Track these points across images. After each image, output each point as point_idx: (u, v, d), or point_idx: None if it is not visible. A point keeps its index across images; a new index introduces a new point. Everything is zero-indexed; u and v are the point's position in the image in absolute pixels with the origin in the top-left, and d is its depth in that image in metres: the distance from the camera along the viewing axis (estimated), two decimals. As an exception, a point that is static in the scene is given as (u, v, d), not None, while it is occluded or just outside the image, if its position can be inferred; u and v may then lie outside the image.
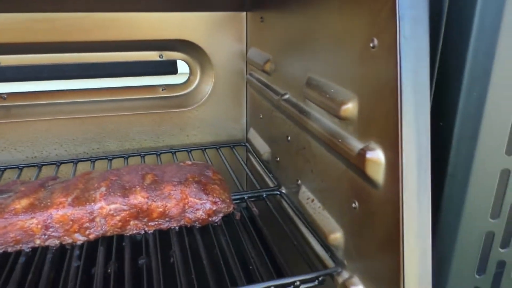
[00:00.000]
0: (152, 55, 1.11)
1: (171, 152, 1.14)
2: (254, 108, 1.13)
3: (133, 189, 0.76)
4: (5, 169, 1.02)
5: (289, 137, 0.89)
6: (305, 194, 0.81)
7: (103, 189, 0.76)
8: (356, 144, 0.60)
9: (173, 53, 1.12)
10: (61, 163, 1.06)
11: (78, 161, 1.07)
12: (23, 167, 1.03)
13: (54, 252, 0.72)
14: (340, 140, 0.64)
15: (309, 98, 0.75)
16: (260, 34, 1.02)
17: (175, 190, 0.77)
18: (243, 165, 1.11)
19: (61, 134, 1.08)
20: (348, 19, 0.61)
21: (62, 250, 0.74)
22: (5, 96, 1.04)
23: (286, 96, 0.87)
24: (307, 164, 0.80)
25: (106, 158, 1.09)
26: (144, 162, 1.10)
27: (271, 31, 0.95)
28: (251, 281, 0.68)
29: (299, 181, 0.85)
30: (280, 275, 0.68)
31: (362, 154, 0.57)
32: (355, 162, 0.60)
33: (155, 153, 1.12)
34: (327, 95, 0.67)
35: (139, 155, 1.11)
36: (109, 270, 0.69)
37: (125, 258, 0.71)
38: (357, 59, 0.59)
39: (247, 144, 1.19)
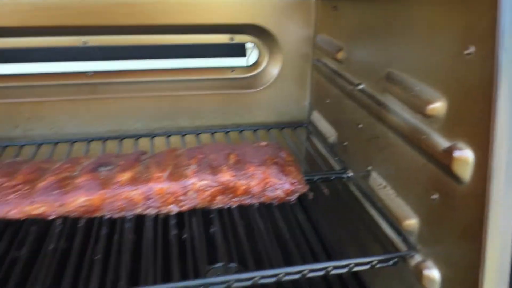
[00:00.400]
0: (223, 38, 1.16)
1: (238, 130, 1.21)
2: (319, 92, 1.18)
3: (220, 168, 0.84)
4: (92, 140, 1.11)
5: (360, 125, 0.94)
6: (377, 181, 0.87)
7: (193, 166, 0.84)
8: (441, 142, 0.65)
9: (244, 36, 1.17)
10: (139, 137, 1.15)
11: (154, 136, 1.15)
12: (106, 139, 1.12)
13: (153, 220, 0.81)
14: (424, 137, 0.69)
15: (389, 92, 0.79)
16: (333, 23, 1.06)
17: (257, 170, 0.85)
18: (307, 146, 1.17)
19: (139, 110, 1.16)
20: (440, 21, 0.65)
21: (157, 219, 0.83)
22: (91, 74, 1.12)
23: (361, 87, 0.91)
24: (381, 153, 0.85)
25: (179, 134, 1.17)
26: (214, 139, 1.17)
27: (346, 20, 0.99)
28: (329, 256, 0.76)
29: (370, 168, 0.90)
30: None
31: (449, 152, 0.62)
32: (439, 158, 0.65)
33: (224, 131, 1.20)
34: (412, 92, 0.71)
35: (209, 132, 1.19)
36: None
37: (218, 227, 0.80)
38: (448, 62, 0.63)
39: (309, 125, 1.25)
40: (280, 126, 1.24)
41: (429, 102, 0.67)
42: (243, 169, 0.84)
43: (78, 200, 0.77)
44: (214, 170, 0.84)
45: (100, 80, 1.13)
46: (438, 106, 0.66)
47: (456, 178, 0.62)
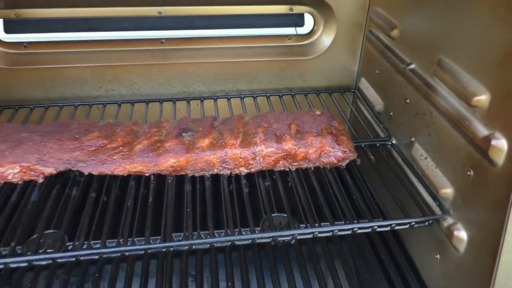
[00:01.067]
0: (283, 9, 1.25)
1: (291, 94, 1.33)
2: (369, 62, 1.27)
3: (284, 137, 0.98)
4: (164, 101, 1.26)
5: (407, 100, 1.04)
6: (419, 152, 0.99)
7: (261, 135, 0.99)
8: (481, 129, 0.76)
9: (302, 7, 1.25)
10: (204, 99, 1.29)
11: (217, 98, 1.29)
12: (176, 100, 1.27)
13: (227, 178, 0.98)
14: (466, 123, 0.80)
15: (438, 78, 0.89)
16: (389, 0, 1.13)
17: (315, 140, 0.98)
18: (353, 110, 1.29)
19: (204, 74, 1.29)
20: (497, 25, 0.73)
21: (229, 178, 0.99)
22: (163, 41, 1.25)
23: (412, 66, 1.01)
24: (425, 128, 0.97)
25: (239, 97, 1.30)
26: (270, 101, 1.30)
27: (402, 2, 1.06)
28: (372, 214, 0.91)
29: (413, 139, 1.02)
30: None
31: (487, 140, 0.74)
32: (478, 143, 0.77)
33: (278, 94, 1.32)
34: (460, 83, 0.81)
35: (265, 95, 1.32)
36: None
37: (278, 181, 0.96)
38: (498, 62, 0.72)
39: (356, 91, 1.35)
40: (329, 90, 1.35)
41: (475, 94, 0.77)
42: (302, 138, 0.98)
43: (169, 162, 0.94)
44: (279, 139, 0.98)
45: (171, 47, 1.25)
46: (482, 98, 0.76)
47: (491, 161, 0.74)
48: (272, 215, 1.08)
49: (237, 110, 1.26)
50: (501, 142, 0.72)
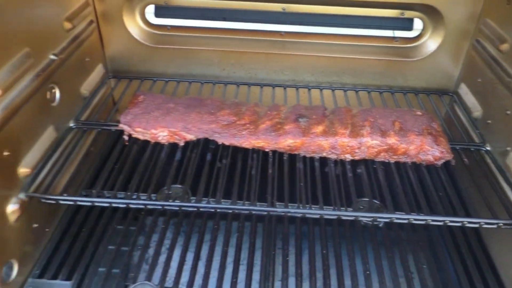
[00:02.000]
0: (394, 13, 1.35)
1: (390, 92, 1.43)
2: (472, 69, 1.34)
3: (388, 132, 1.11)
4: (276, 86, 1.43)
5: (508, 112, 1.12)
6: (514, 161, 1.08)
7: (368, 128, 1.12)
8: None
9: (413, 12, 1.34)
10: (311, 88, 1.44)
11: (323, 88, 1.43)
12: (287, 87, 1.43)
13: (334, 162, 1.13)
14: None
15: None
16: (503, 13, 1.19)
17: (416, 138, 1.10)
18: (449, 113, 1.38)
19: (314, 66, 1.44)
20: None
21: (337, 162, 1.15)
22: (283, 34, 1.40)
23: (519, 81, 1.08)
24: (523, 140, 1.05)
25: (342, 89, 1.43)
26: (371, 96, 1.42)
27: (517, 17, 1.12)
28: (468, 214, 1.02)
29: (509, 148, 1.11)
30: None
31: None
32: None
33: (378, 91, 1.44)
34: None
35: (366, 90, 1.43)
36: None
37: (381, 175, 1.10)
38: None
39: (454, 95, 1.43)
40: (428, 92, 1.44)
41: None
42: (405, 136, 1.11)
43: (287, 142, 1.11)
44: (383, 133, 1.11)
45: (289, 39, 1.41)
46: None
47: None
48: (372, 200, 1.23)
49: (340, 101, 1.39)
50: None
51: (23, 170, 0.92)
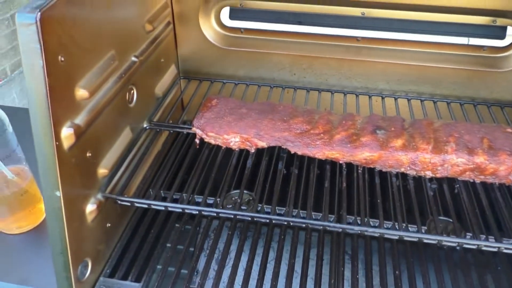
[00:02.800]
0: (485, 20, 1.25)
1: (473, 103, 1.34)
2: None
3: (476, 150, 1.03)
4: (347, 93, 1.37)
5: None
6: None
7: (452, 144, 1.04)
8: None
9: (507, 20, 1.24)
10: (385, 97, 1.37)
11: (398, 97, 1.36)
12: (359, 94, 1.37)
13: (413, 179, 1.06)
14: None
15: None
16: None
17: (508, 159, 1.01)
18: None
19: (390, 74, 1.36)
20: None
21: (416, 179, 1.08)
22: (360, 39, 1.34)
23: None
24: None
25: (419, 99, 1.35)
26: (450, 108, 1.33)
27: None
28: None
29: None
30: None
31: None
32: None
33: (459, 102, 1.34)
34: None
35: (446, 101, 1.35)
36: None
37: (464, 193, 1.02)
38: None
39: (546, 111, 1.31)
40: (515, 105, 1.33)
41: None
42: (496, 155, 1.02)
43: (364, 155, 1.05)
44: (470, 151, 1.03)
45: (366, 45, 1.35)
46: None
47: None
48: (438, 217, 1.15)
49: (416, 111, 1.32)
50: None
51: (102, 170, 0.94)
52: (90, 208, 0.89)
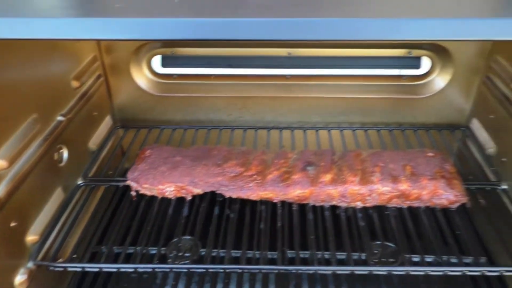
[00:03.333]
0: (401, 52, 1.34)
1: (400, 129, 1.41)
2: (483, 105, 1.31)
3: (399, 178, 1.08)
4: (283, 129, 1.42)
5: (524, 151, 1.09)
6: (532, 203, 1.04)
7: (378, 174, 1.10)
8: None
9: (421, 51, 1.33)
10: (319, 129, 1.42)
11: (331, 129, 1.42)
12: (294, 129, 1.42)
13: (344, 211, 1.11)
14: None
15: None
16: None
17: (429, 183, 1.07)
18: (461, 149, 1.35)
19: (321, 107, 1.42)
20: None
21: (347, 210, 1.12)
22: (288, 77, 1.40)
23: (532, 121, 1.05)
24: (541, 182, 1.01)
25: (351, 129, 1.41)
26: (380, 134, 1.39)
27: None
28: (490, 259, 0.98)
29: (527, 189, 1.07)
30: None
31: None
32: None
33: (388, 129, 1.41)
34: None
35: (376, 129, 1.41)
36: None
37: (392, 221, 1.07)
38: None
39: (466, 130, 1.40)
40: (439, 127, 1.41)
41: None
42: (417, 181, 1.08)
43: (295, 192, 1.09)
44: (395, 179, 1.08)
45: (295, 82, 1.40)
46: None
47: None
48: (384, 242, 1.19)
49: (349, 140, 1.38)
50: None
51: (31, 238, 0.92)
52: (20, 279, 0.87)
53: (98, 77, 1.30)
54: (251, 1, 0.75)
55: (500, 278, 1.12)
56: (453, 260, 1.00)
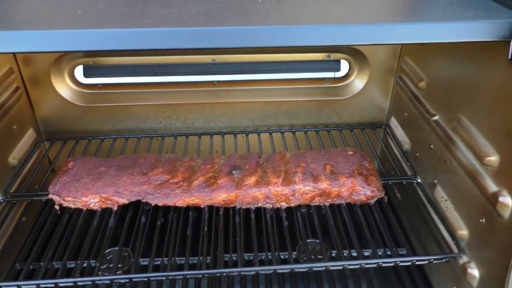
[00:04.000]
0: (321, 56, 1.40)
1: (326, 130, 1.47)
2: (399, 104, 1.40)
3: (320, 177, 1.13)
4: (213, 134, 1.44)
5: (432, 146, 1.17)
6: (440, 194, 1.12)
7: (300, 175, 1.14)
8: (492, 185, 0.89)
9: (339, 54, 1.40)
10: (249, 133, 1.46)
11: (260, 132, 1.45)
12: (224, 133, 1.45)
13: (270, 211, 1.14)
14: (479, 177, 0.92)
15: (457, 134, 1.02)
16: (418, 53, 1.25)
17: (347, 180, 1.13)
18: (383, 145, 1.43)
19: (250, 111, 1.46)
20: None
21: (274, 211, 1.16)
22: (216, 83, 1.42)
23: (436, 118, 1.14)
24: (446, 173, 1.09)
25: (280, 131, 1.46)
26: (307, 136, 1.45)
27: (430, 56, 1.19)
28: (398, 245, 1.04)
29: (436, 181, 1.15)
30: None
31: (496, 195, 0.86)
32: (488, 197, 0.89)
33: (315, 130, 1.47)
34: (475, 142, 0.94)
35: (303, 130, 1.46)
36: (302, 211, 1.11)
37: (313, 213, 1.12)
38: (508, 131, 0.84)
39: (387, 127, 1.48)
40: (362, 126, 1.49)
41: (487, 154, 0.90)
42: (336, 179, 1.13)
43: (221, 197, 1.11)
44: (315, 179, 1.13)
45: (222, 88, 1.43)
46: (493, 159, 0.88)
47: (499, 214, 0.86)
48: (307, 240, 1.24)
49: (278, 143, 1.42)
50: (507, 200, 0.84)
51: None
52: None
53: (16, 89, 1.26)
54: (154, 12, 0.77)
55: (420, 267, 1.21)
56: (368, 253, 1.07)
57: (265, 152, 1.30)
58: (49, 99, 1.36)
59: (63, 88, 1.36)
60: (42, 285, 0.91)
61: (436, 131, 1.13)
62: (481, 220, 0.93)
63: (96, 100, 1.40)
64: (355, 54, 1.38)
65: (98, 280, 0.93)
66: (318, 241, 1.27)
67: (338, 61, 1.43)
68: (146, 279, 0.95)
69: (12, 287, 0.91)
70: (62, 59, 1.31)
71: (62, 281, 0.91)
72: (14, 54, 1.24)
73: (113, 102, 1.41)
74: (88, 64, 1.35)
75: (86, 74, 1.37)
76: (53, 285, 0.92)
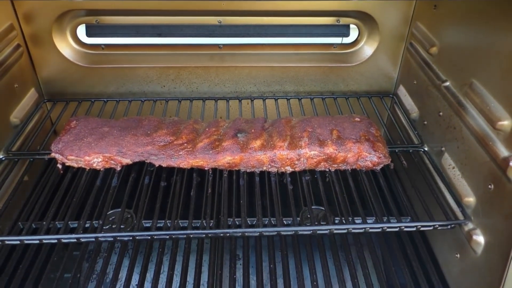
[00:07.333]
0: (330, 20, 1.36)
1: (333, 97, 1.45)
2: (408, 72, 1.37)
3: (326, 142, 1.12)
4: (218, 99, 1.41)
5: (441, 113, 1.15)
6: (448, 161, 1.10)
7: (306, 139, 1.12)
8: (503, 150, 0.87)
9: (348, 19, 1.36)
10: (254, 99, 1.43)
11: (266, 98, 1.43)
12: (229, 98, 1.42)
13: (274, 175, 1.13)
14: (490, 143, 0.90)
15: (469, 99, 1.00)
16: (430, 18, 1.22)
17: (354, 146, 1.11)
18: (390, 114, 1.40)
19: (255, 77, 1.43)
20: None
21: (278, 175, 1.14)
22: (221, 46, 1.39)
23: (447, 84, 1.11)
24: (455, 140, 1.07)
25: (285, 98, 1.43)
26: (313, 103, 1.42)
27: (443, 21, 1.15)
28: (401, 213, 1.03)
29: (443, 148, 1.13)
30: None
31: (507, 160, 0.84)
32: (499, 162, 0.87)
33: (321, 97, 1.45)
34: (488, 107, 0.92)
35: (309, 97, 1.44)
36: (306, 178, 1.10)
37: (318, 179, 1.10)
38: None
39: (394, 97, 1.45)
40: (369, 95, 1.46)
41: (499, 119, 0.87)
42: (343, 144, 1.11)
43: (225, 159, 1.09)
44: (321, 143, 1.11)
45: (228, 52, 1.40)
46: (505, 123, 0.86)
47: (509, 179, 0.85)
48: (312, 207, 1.23)
49: (283, 109, 1.40)
50: (518, 164, 0.83)
51: None
52: None
53: (17, 47, 1.23)
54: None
55: (423, 235, 1.21)
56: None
57: (270, 119, 1.28)
58: (51, 59, 1.33)
59: (65, 47, 1.33)
60: (45, 241, 0.91)
61: (446, 97, 1.10)
62: (489, 186, 0.92)
63: (99, 61, 1.37)
64: (365, 18, 1.34)
65: (101, 237, 0.93)
66: (323, 208, 1.26)
67: (347, 26, 1.39)
68: (149, 237, 0.94)
69: (15, 242, 0.90)
70: (65, 17, 1.27)
71: (65, 237, 0.91)
72: (14, 10, 1.21)
73: (116, 64, 1.38)
74: (91, 23, 1.32)
75: (88, 34, 1.33)
76: (55, 241, 0.91)
